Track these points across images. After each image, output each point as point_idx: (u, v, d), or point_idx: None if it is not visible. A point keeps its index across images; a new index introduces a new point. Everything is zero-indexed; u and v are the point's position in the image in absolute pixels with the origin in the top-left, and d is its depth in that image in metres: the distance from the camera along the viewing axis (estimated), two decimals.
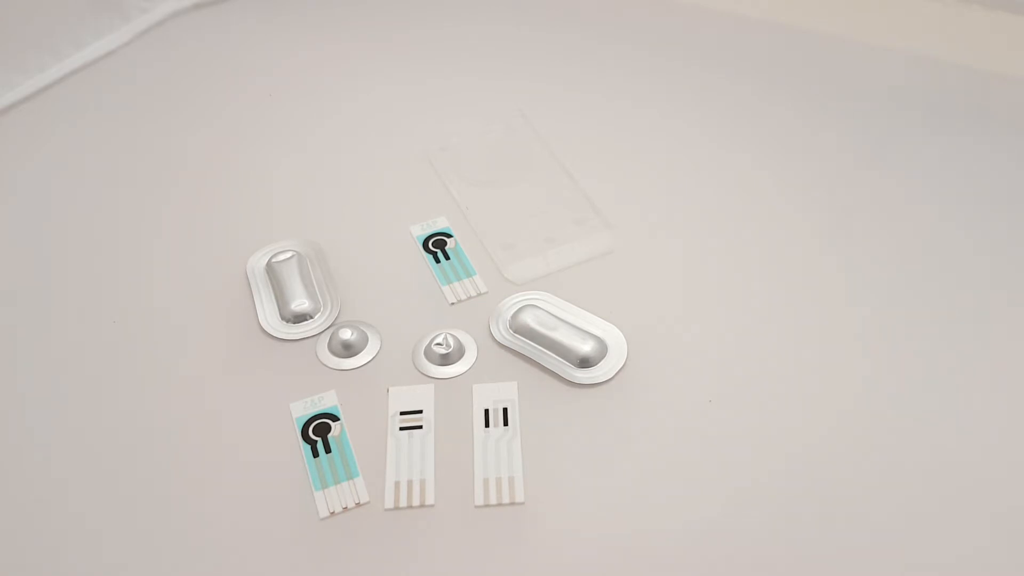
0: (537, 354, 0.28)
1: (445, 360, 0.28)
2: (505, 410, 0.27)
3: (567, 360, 0.28)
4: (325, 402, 0.27)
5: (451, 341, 0.28)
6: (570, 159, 0.34)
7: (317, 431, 0.27)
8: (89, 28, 0.41)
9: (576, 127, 0.36)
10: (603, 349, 0.28)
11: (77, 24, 0.41)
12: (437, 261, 0.31)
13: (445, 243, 0.32)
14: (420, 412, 0.27)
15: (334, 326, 0.29)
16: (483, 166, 0.35)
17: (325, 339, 0.29)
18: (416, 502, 0.25)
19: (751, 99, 0.38)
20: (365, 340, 0.29)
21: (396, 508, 0.25)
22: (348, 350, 0.28)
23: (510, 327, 0.29)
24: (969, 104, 0.37)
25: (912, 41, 0.39)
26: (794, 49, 0.40)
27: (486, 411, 0.27)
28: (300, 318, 0.29)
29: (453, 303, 0.30)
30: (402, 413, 0.27)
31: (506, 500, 0.25)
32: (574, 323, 0.29)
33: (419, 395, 0.27)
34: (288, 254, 0.31)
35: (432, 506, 0.25)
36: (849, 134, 0.36)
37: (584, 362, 0.28)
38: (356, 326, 0.29)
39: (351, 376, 0.28)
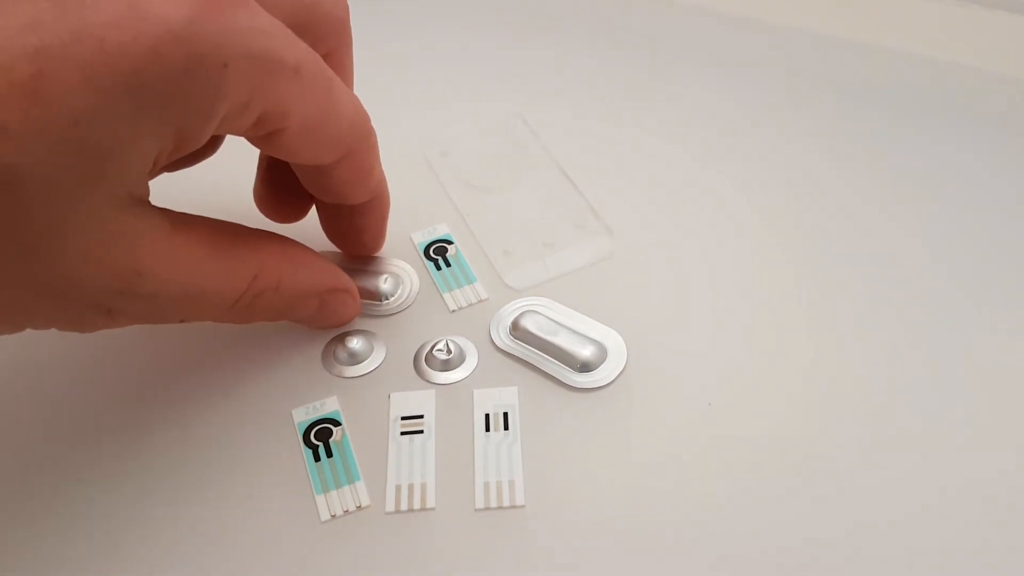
0: (537, 359, 0.29)
1: (446, 366, 0.28)
2: (505, 414, 0.27)
3: (567, 365, 0.28)
4: (327, 407, 0.28)
5: (452, 347, 0.29)
6: (570, 164, 0.34)
7: (318, 436, 0.27)
8: None
9: (577, 131, 0.37)
10: (603, 354, 0.28)
11: None
12: (438, 268, 0.32)
13: (446, 250, 0.32)
14: (421, 417, 0.27)
15: (337, 333, 0.30)
16: (484, 171, 0.35)
17: (330, 346, 0.29)
18: (417, 505, 0.25)
19: (753, 101, 0.38)
20: (368, 347, 0.29)
21: (397, 511, 0.25)
22: (352, 358, 0.29)
23: (510, 333, 0.29)
24: (969, 104, 0.37)
25: (911, 41, 0.40)
26: (794, 50, 0.40)
27: (487, 415, 0.27)
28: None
29: (454, 310, 0.30)
30: (403, 418, 0.27)
31: (506, 503, 0.25)
32: (574, 328, 0.29)
33: (420, 400, 0.28)
34: None
35: (433, 509, 0.25)
36: (849, 135, 0.36)
37: (584, 367, 0.28)
38: (359, 333, 0.29)
39: (353, 382, 0.28)
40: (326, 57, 0.25)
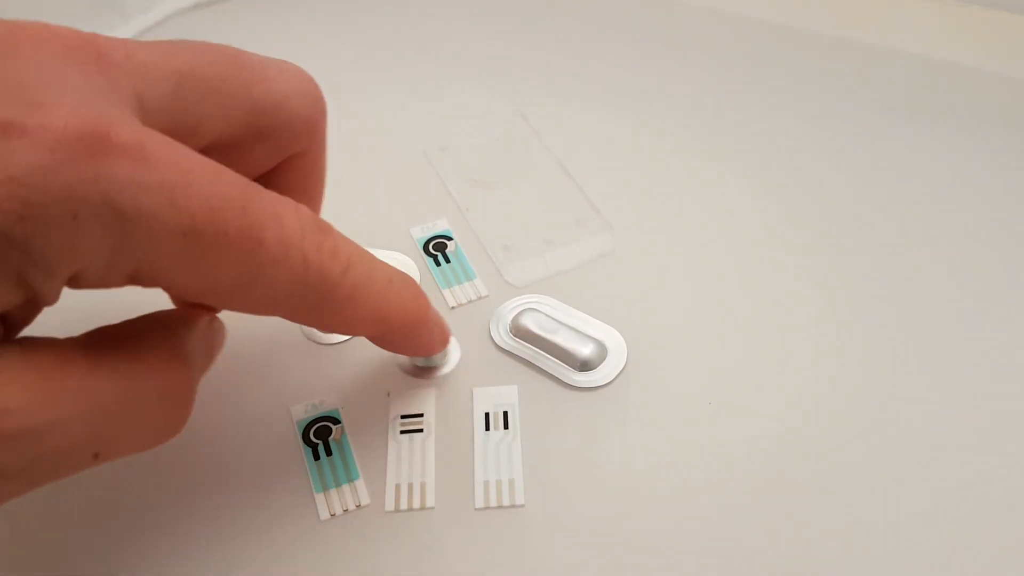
0: (537, 357, 0.28)
1: (445, 364, 0.28)
2: (505, 413, 0.27)
3: (567, 363, 0.28)
4: (326, 405, 0.27)
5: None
6: (570, 160, 0.34)
7: (318, 434, 0.27)
8: (89, 28, 0.41)
9: (577, 129, 0.36)
10: (603, 352, 0.28)
11: (77, 24, 0.40)
12: (437, 264, 0.31)
13: (445, 246, 0.32)
14: (420, 415, 0.27)
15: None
16: (483, 167, 0.35)
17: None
18: (416, 504, 0.25)
19: (753, 99, 0.38)
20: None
21: (396, 510, 0.25)
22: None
23: (510, 330, 0.29)
24: (968, 104, 0.37)
25: (911, 41, 0.40)
26: (794, 50, 0.40)
27: (486, 414, 0.27)
28: None
29: (453, 307, 0.30)
30: (403, 416, 0.27)
31: (506, 502, 0.25)
32: (574, 326, 0.29)
33: (420, 398, 0.28)
34: None
35: (432, 508, 0.25)
36: (849, 135, 0.36)
37: (584, 365, 0.28)
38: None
39: (352, 380, 0.28)
40: (293, 160, 0.23)
